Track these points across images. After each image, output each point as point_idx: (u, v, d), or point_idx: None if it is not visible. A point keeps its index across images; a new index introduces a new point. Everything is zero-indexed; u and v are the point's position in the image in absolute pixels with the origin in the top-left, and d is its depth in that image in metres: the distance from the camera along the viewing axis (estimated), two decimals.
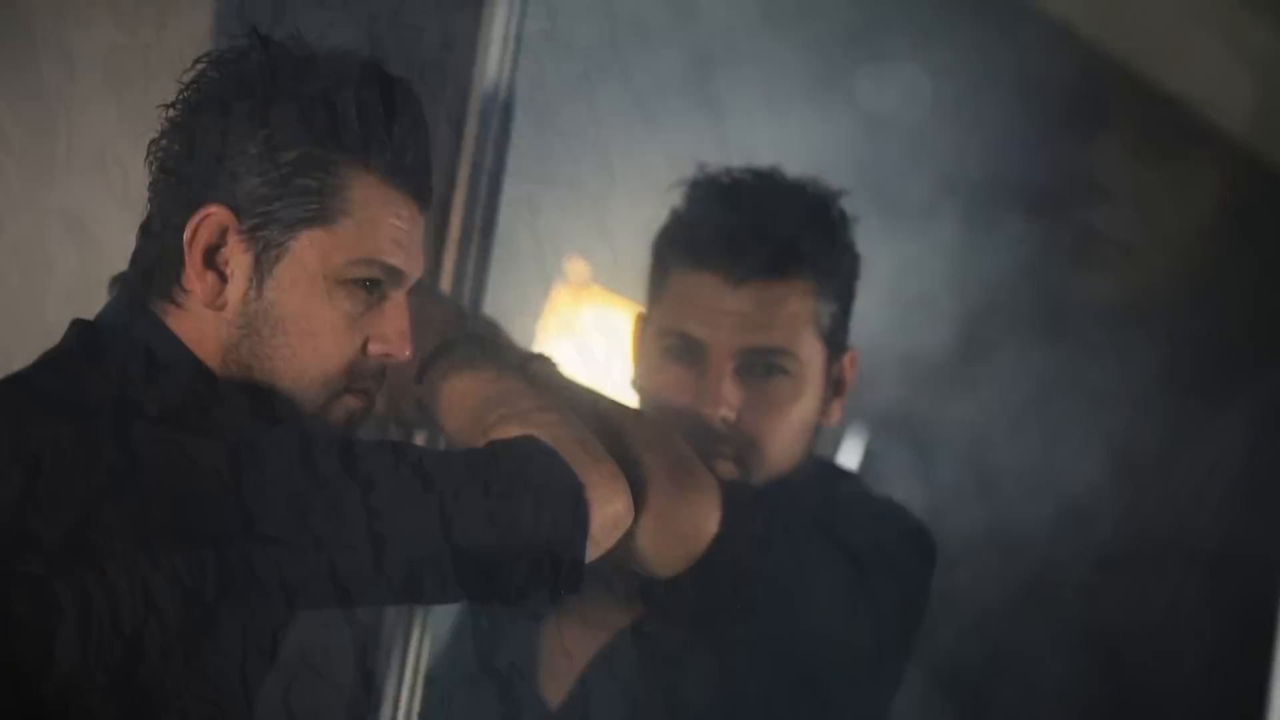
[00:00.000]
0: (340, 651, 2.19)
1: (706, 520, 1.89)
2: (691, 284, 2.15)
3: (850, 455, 3.32)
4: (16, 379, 1.71)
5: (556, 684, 2.22)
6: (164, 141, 1.77)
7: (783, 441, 2.15)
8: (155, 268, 1.76)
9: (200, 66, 1.77)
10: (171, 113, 1.77)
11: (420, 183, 1.80)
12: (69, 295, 2.52)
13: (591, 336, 3.24)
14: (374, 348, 1.78)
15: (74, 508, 1.58)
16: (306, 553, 1.64)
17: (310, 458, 1.66)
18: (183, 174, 1.75)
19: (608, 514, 1.78)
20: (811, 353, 2.16)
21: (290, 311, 1.74)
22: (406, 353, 1.81)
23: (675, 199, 2.23)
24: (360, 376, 1.79)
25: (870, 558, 2.02)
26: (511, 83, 2.19)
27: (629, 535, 1.84)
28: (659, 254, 2.22)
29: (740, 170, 2.21)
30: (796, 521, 1.98)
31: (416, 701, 2.15)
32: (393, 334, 1.79)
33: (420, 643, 2.15)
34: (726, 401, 2.11)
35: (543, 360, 2.07)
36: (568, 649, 2.21)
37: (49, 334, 1.79)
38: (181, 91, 1.77)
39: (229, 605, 1.65)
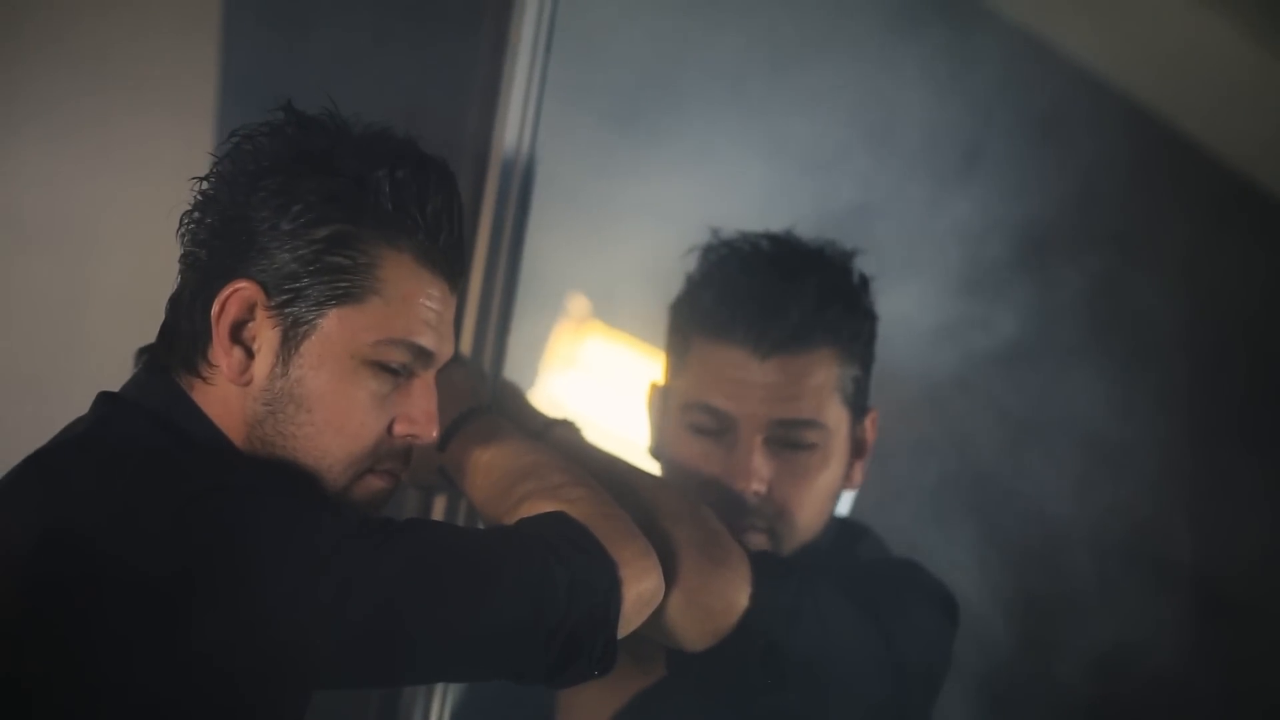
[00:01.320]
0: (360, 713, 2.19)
1: (737, 595, 1.88)
2: (717, 356, 2.13)
3: None
4: (42, 457, 1.69)
5: None
6: (195, 214, 1.76)
7: (812, 510, 2.14)
8: (182, 341, 1.75)
9: (235, 140, 1.76)
10: (204, 185, 1.75)
11: (452, 263, 1.78)
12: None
13: (592, 367, 3.25)
14: (399, 428, 1.76)
15: (106, 590, 1.57)
16: (337, 635, 1.62)
17: (342, 539, 1.64)
18: (213, 248, 1.74)
19: (640, 592, 1.77)
20: (838, 420, 2.15)
21: (316, 390, 1.72)
22: (433, 434, 1.78)
23: (689, 264, 2.21)
24: (385, 457, 1.77)
25: (896, 625, 2.01)
26: (532, 148, 2.17)
27: (658, 610, 1.82)
28: (678, 324, 2.20)
29: (755, 236, 2.19)
30: (824, 592, 1.97)
31: None
32: (419, 415, 1.77)
33: (442, 704, 2.15)
34: (758, 475, 2.10)
35: (566, 426, 2.06)
36: (586, 710, 2.21)
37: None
38: (215, 165, 1.76)
39: (262, 684, 1.64)
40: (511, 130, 2.17)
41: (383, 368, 1.74)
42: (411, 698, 2.15)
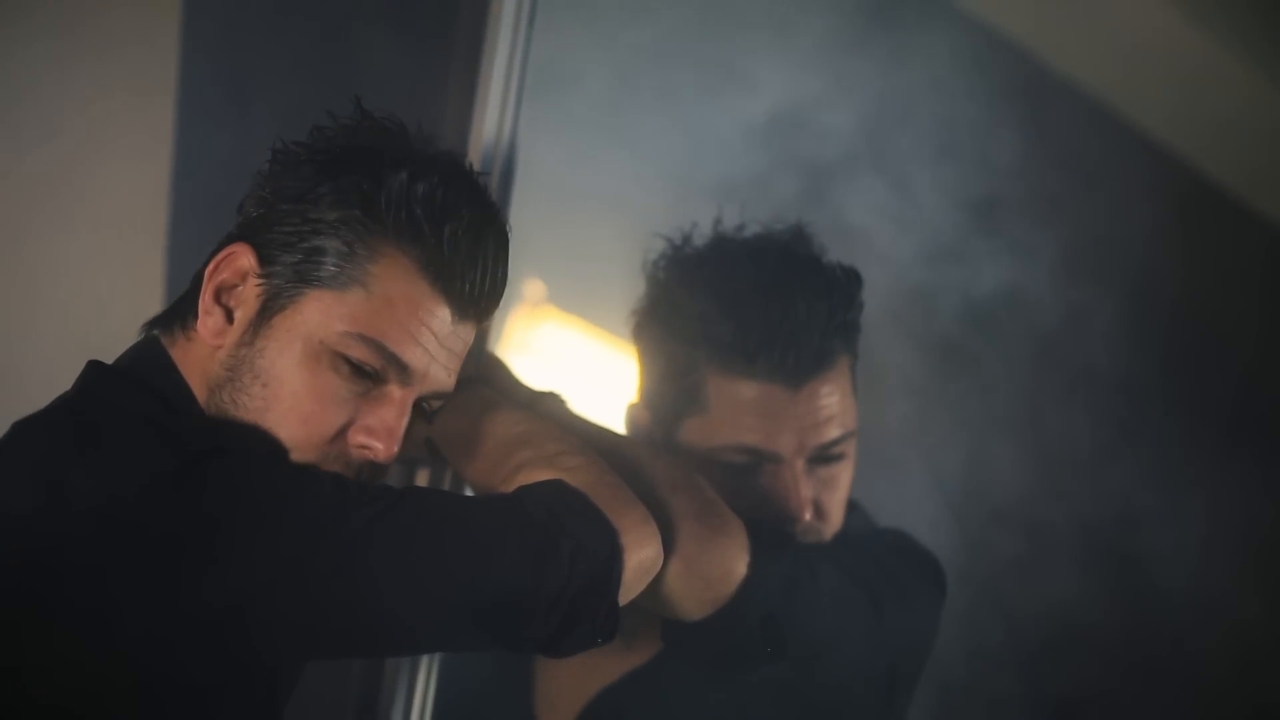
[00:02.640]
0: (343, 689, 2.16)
1: (735, 564, 1.87)
2: (744, 394, 2.08)
3: None
4: (31, 423, 1.67)
5: (553, 718, 2.21)
6: (252, 188, 1.78)
7: (844, 506, 2.14)
8: (184, 298, 1.77)
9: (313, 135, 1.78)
10: (265, 167, 1.77)
11: (466, 291, 1.74)
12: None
13: (546, 350, 3.25)
14: (354, 436, 1.73)
15: (103, 554, 1.55)
16: (338, 601, 1.60)
17: (342, 505, 1.63)
18: (247, 217, 1.77)
19: (641, 559, 1.76)
20: (855, 415, 2.14)
21: (276, 365, 1.71)
22: (390, 454, 1.74)
23: (672, 273, 2.16)
24: (333, 460, 1.73)
25: (887, 594, 2.02)
26: (513, 135, 2.14)
27: (656, 579, 1.81)
28: (680, 351, 2.12)
29: (740, 243, 2.15)
30: (819, 562, 1.98)
31: None
32: (379, 427, 1.73)
33: (428, 679, 2.13)
34: (808, 503, 2.08)
35: (552, 398, 2.03)
36: (564, 686, 2.20)
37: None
38: (276, 151, 1.77)
39: (258, 652, 1.63)
40: (491, 117, 2.15)
41: (351, 365, 1.71)
42: (394, 680, 2.12)
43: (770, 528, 1.97)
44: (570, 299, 3.24)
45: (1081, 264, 3.13)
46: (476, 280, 1.74)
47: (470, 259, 1.73)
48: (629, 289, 2.24)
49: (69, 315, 2.60)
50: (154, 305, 2.51)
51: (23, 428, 1.66)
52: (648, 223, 2.25)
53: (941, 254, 2.86)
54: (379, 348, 1.71)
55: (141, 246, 2.61)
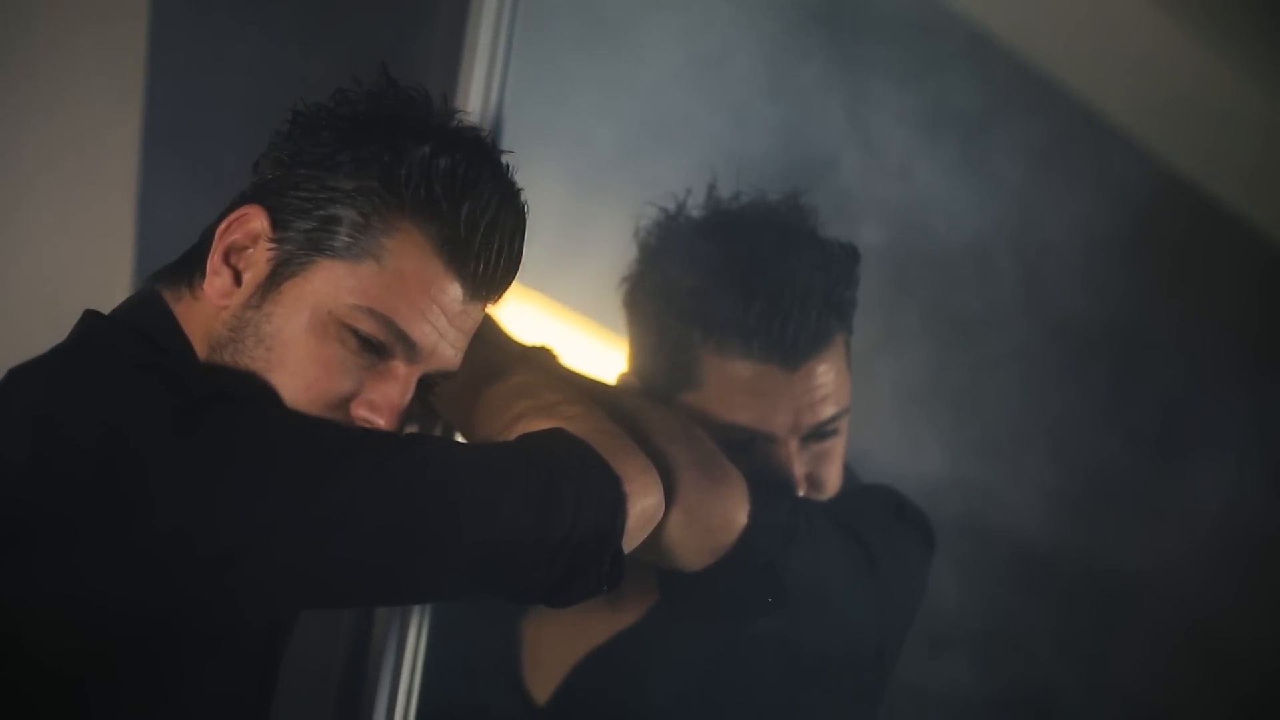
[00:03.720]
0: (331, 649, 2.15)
1: (736, 513, 1.87)
2: (739, 373, 2.06)
3: None
4: (28, 368, 1.64)
5: (540, 680, 2.20)
6: (270, 147, 1.76)
7: (839, 476, 2.13)
8: (194, 253, 1.75)
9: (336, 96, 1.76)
10: (284, 127, 1.75)
11: (479, 271, 1.72)
12: None
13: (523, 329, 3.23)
14: (356, 409, 1.70)
15: (103, 498, 1.53)
16: (339, 548, 1.58)
17: (345, 451, 1.61)
18: (263, 178, 1.74)
19: (644, 507, 1.75)
20: (849, 390, 2.13)
21: (279, 329, 1.68)
22: (394, 430, 1.72)
23: (668, 242, 2.14)
24: None
25: (879, 546, 2.02)
26: (499, 108, 2.13)
27: (656, 529, 1.81)
28: (674, 326, 2.10)
29: (734, 215, 2.13)
30: (815, 513, 1.98)
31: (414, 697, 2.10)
32: (382, 403, 1.70)
33: (418, 635, 2.11)
34: (802, 481, 2.07)
35: (544, 352, 2.02)
36: (551, 648, 2.19)
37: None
38: (297, 113, 1.75)
39: (259, 599, 1.61)
40: (478, 82, 2.14)
41: (358, 338, 1.69)
42: (382, 642, 2.10)
43: (767, 479, 1.97)
44: (536, 276, 3.21)
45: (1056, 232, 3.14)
46: (491, 260, 1.73)
47: (486, 239, 1.71)
48: (607, 262, 2.23)
49: (38, 278, 2.58)
50: (124, 270, 2.49)
51: (19, 373, 1.64)
52: (631, 190, 2.24)
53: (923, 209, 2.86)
54: (388, 323, 1.69)
55: (111, 208, 2.59)
